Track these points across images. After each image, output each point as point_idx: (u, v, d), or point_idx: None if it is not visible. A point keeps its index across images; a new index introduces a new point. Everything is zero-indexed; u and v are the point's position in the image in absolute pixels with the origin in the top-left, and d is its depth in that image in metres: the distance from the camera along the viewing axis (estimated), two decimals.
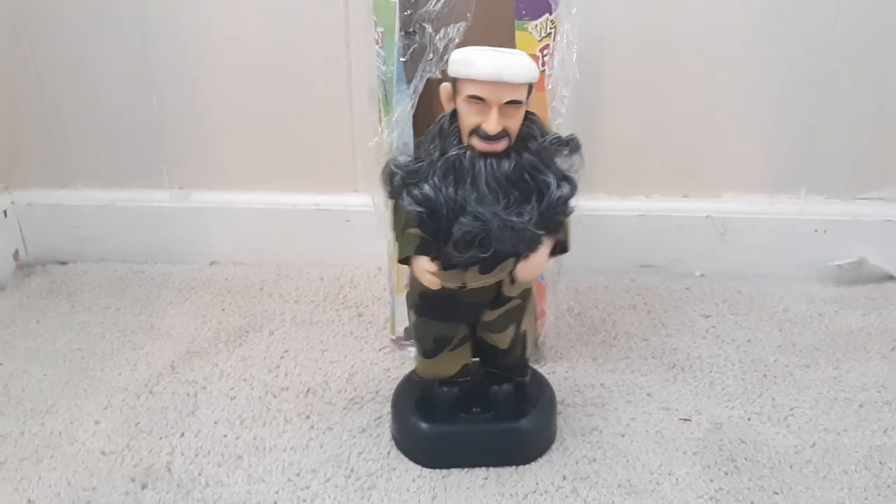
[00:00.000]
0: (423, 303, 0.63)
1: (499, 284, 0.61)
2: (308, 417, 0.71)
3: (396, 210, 0.58)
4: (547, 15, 0.64)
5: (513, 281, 0.61)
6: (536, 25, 0.64)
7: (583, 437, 0.68)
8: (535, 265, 0.58)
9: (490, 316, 0.63)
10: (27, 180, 0.95)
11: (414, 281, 0.62)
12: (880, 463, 0.65)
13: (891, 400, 0.73)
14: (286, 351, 0.80)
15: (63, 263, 0.96)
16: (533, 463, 0.65)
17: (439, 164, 0.55)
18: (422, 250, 0.57)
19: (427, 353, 0.65)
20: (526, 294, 0.63)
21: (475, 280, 0.59)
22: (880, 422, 0.70)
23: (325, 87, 0.88)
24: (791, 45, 0.85)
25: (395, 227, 0.59)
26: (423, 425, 0.65)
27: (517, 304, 0.63)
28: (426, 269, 0.56)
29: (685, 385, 0.75)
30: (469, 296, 0.61)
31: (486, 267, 0.59)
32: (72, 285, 0.92)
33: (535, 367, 0.74)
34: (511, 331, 0.64)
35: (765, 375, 0.76)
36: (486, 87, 0.53)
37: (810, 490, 0.63)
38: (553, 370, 0.76)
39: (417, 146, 0.60)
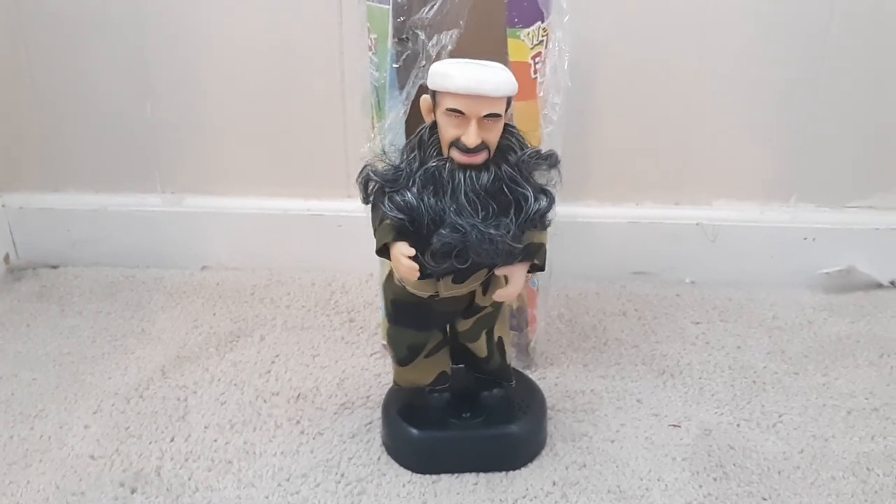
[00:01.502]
0: (396, 311, 0.63)
1: (472, 294, 0.62)
2: (298, 422, 0.71)
3: (375, 207, 0.59)
4: (539, 23, 0.64)
5: (485, 292, 0.61)
6: (528, 33, 0.64)
7: (573, 442, 0.68)
8: (512, 290, 0.59)
9: (464, 325, 0.64)
10: (19, 183, 0.95)
11: (387, 289, 0.63)
12: (868, 469, 0.66)
13: (878, 407, 0.73)
14: (277, 356, 0.80)
15: (54, 267, 0.96)
16: (523, 468, 0.66)
17: (419, 174, 0.55)
18: (400, 236, 0.56)
19: (401, 360, 0.65)
20: (498, 304, 0.64)
21: (448, 289, 0.60)
22: (868, 428, 0.70)
23: (318, 93, 0.88)
24: (783, 53, 0.85)
25: (373, 222, 0.59)
26: (414, 431, 0.65)
27: (489, 312, 0.64)
28: (404, 254, 0.55)
29: (675, 391, 0.75)
30: (441, 304, 0.61)
31: (460, 277, 0.59)
32: (63, 289, 0.92)
33: (526, 372, 0.74)
34: (484, 338, 0.64)
35: (754, 382, 0.76)
36: (464, 101, 0.53)
37: (798, 496, 0.63)
38: (544, 376, 0.77)
39: (390, 155, 0.60)
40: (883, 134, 0.89)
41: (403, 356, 0.64)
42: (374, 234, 0.58)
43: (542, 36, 0.65)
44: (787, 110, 0.88)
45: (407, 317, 0.63)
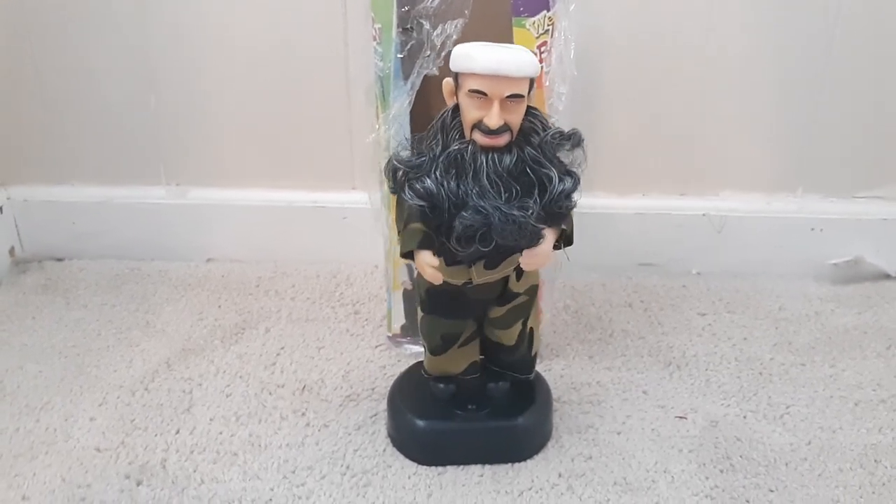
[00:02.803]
0: (430, 300, 0.63)
1: (505, 281, 0.61)
2: (304, 414, 0.71)
3: (399, 205, 0.58)
4: (545, 12, 0.64)
5: (518, 277, 0.61)
6: (534, 22, 0.64)
7: (579, 434, 0.68)
8: (541, 256, 0.57)
9: (497, 312, 0.63)
10: (24, 176, 0.95)
11: (420, 278, 0.62)
12: (875, 461, 0.65)
13: (886, 398, 0.73)
14: (282, 348, 0.80)
15: (59, 260, 0.96)
16: (529, 460, 0.65)
17: (441, 158, 0.55)
18: (424, 244, 0.56)
19: (434, 350, 0.65)
20: (532, 291, 0.63)
21: (481, 276, 0.59)
22: (875, 420, 0.70)
23: (322, 84, 0.88)
24: (790, 43, 0.85)
25: (397, 222, 0.59)
26: (419, 422, 0.65)
27: (524, 301, 0.63)
28: (428, 264, 0.56)
29: (681, 383, 0.75)
30: (475, 292, 0.61)
31: (492, 262, 0.59)
32: (68, 282, 0.92)
33: None
34: (518, 327, 0.64)
35: (761, 373, 0.76)
36: (487, 82, 0.53)
37: (805, 488, 0.63)
38: (549, 367, 0.76)
39: (415, 142, 0.59)
40: (890, 124, 0.88)
41: (437, 345, 0.64)
42: (398, 234, 0.58)
43: (548, 25, 0.64)
44: (793, 100, 0.87)
45: (441, 306, 0.62)
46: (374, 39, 0.66)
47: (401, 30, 0.64)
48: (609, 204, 0.91)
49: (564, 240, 0.59)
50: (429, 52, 0.63)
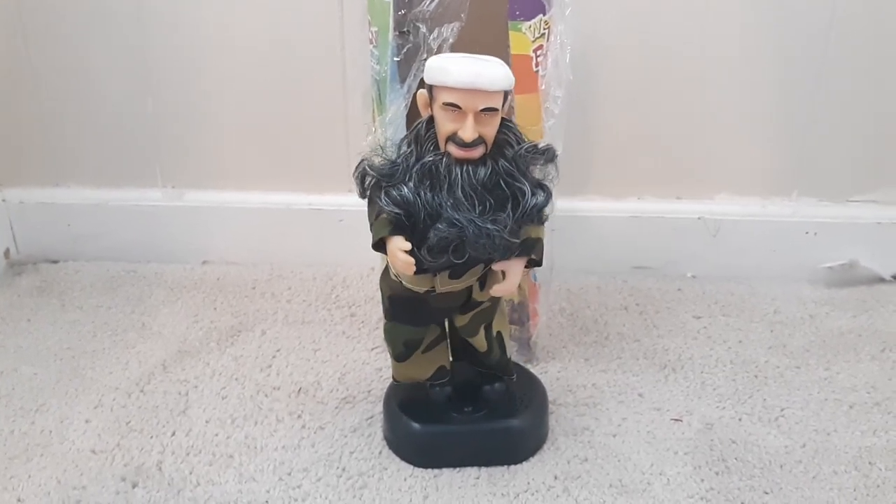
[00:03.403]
0: (392, 306, 0.63)
1: (469, 290, 0.62)
2: (300, 417, 0.71)
3: (371, 202, 0.58)
4: (541, 15, 0.64)
5: (482, 287, 0.61)
6: (530, 26, 0.64)
7: (574, 436, 0.68)
8: (509, 285, 0.59)
9: (462, 320, 0.64)
10: (20, 178, 0.95)
11: (383, 284, 0.62)
12: (870, 463, 0.66)
13: (880, 401, 0.73)
14: (278, 350, 0.80)
15: (54, 262, 0.96)
16: (525, 462, 0.66)
17: (415, 169, 0.55)
18: (397, 231, 0.56)
19: (398, 356, 0.65)
20: (495, 298, 0.63)
21: (444, 285, 0.60)
22: (870, 422, 0.70)
23: (319, 87, 0.88)
24: (785, 47, 0.85)
25: (369, 217, 0.59)
26: (415, 425, 0.65)
27: (487, 307, 0.63)
28: (400, 248, 0.55)
29: (676, 385, 0.75)
30: (438, 300, 0.61)
31: (456, 272, 0.59)
32: (63, 284, 0.92)
33: (528, 366, 0.74)
34: (483, 332, 0.64)
35: (756, 376, 0.76)
36: (461, 95, 0.53)
37: (800, 490, 0.63)
38: (545, 370, 0.77)
39: (390, 150, 0.60)
40: (885, 128, 0.89)
41: (400, 352, 0.65)
42: (371, 229, 0.58)
43: (544, 29, 0.65)
44: (788, 104, 0.88)
45: (403, 312, 0.63)
46: (371, 43, 0.66)
47: (397, 33, 0.64)
48: (605, 207, 0.92)
49: (533, 263, 0.59)
50: (425, 56, 0.64)
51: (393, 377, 0.67)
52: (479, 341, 0.65)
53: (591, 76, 0.85)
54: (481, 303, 0.63)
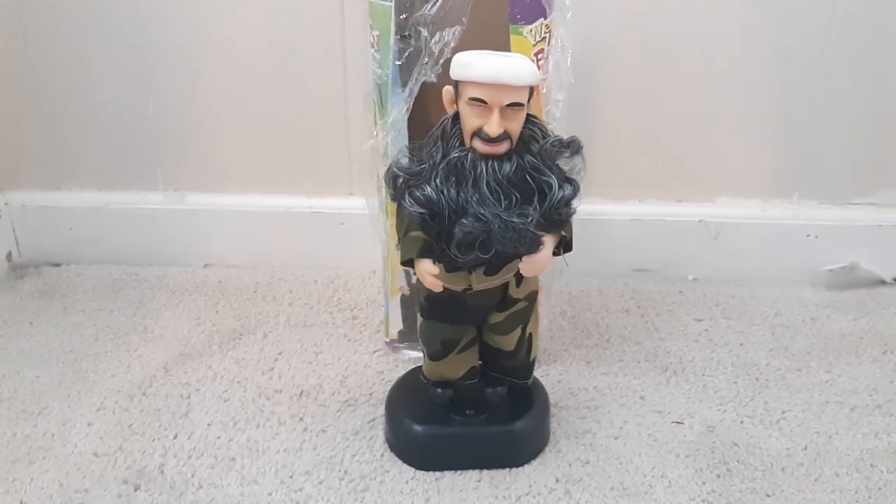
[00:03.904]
0: (430, 305, 0.63)
1: (505, 287, 0.62)
2: (301, 420, 0.71)
3: (400, 212, 0.59)
4: (542, 19, 0.64)
5: (518, 283, 0.61)
6: (531, 30, 0.64)
7: (576, 439, 0.68)
8: (540, 262, 0.57)
9: (497, 318, 0.63)
10: (21, 181, 0.95)
11: (420, 284, 0.62)
12: (871, 466, 0.66)
13: (882, 403, 0.73)
14: (280, 353, 0.80)
15: (56, 265, 0.96)
16: (526, 465, 0.66)
17: (441, 166, 0.55)
18: (424, 253, 0.57)
19: (434, 355, 0.65)
20: (532, 296, 0.64)
21: (480, 282, 0.60)
22: (871, 425, 0.70)
23: (320, 90, 0.88)
24: (785, 50, 0.85)
25: (398, 229, 0.59)
26: (417, 427, 0.65)
27: (524, 307, 0.63)
28: (428, 272, 0.57)
29: (678, 388, 0.75)
30: (475, 298, 0.61)
31: (492, 269, 0.59)
32: (65, 287, 0.92)
33: None
34: (517, 333, 0.64)
35: (757, 379, 0.76)
36: (487, 90, 0.53)
37: (802, 493, 0.63)
38: (547, 373, 0.77)
39: (413, 149, 0.60)
40: (885, 130, 0.89)
41: (436, 351, 0.64)
42: (398, 242, 0.58)
43: (545, 32, 0.65)
44: (789, 107, 0.88)
45: (441, 311, 0.63)
46: (373, 46, 0.67)
47: (399, 37, 0.65)
48: (606, 210, 0.92)
49: (564, 246, 0.59)
50: (426, 60, 0.64)
51: (423, 375, 0.67)
52: (509, 340, 0.64)
53: (592, 79, 0.85)
54: (518, 301, 0.63)
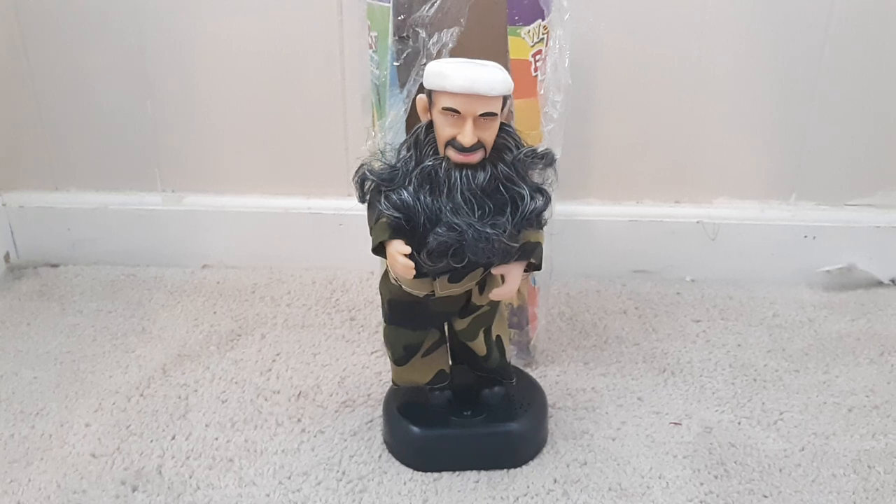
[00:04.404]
0: (392, 310, 0.63)
1: (468, 294, 0.62)
2: (299, 421, 0.71)
3: (371, 206, 0.59)
4: (540, 20, 0.64)
5: (481, 291, 0.61)
6: (529, 31, 0.64)
7: (574, 440, 0.68)
8: (509, 289, 0.59)
9: (461, 324, 0.64)
10: (19, 182, 0.95)
11: (383, 288, 0.63)
12: (869, 467, 0.66)
13: (879, 404, 0.73)
14: (278, 354, 0.80)
15: (54, 266, 0.96)
16: (524, 466, 0.66)
17: (415, 173, 0.55)
18: (396, 235, 0.56)
19: (398, 360, 0.65)
20: (494, 302, 0.64)
21: (444, 289, 0.60)
22: (869, 426, 0.70)
23: (318, 91, 0.88)
24: (783, 52, 0.85)
25: (369, 221, 0.59)
26: (415, 429, 0.65)
27: (486, 311, 0.63)
28: (400, 252, 0.55)
29: (676, 389, 0.75)
30: (437, 304, 0.61)
31: (456, 276, 0.59)
32: (63, 288, 0.92)
33: (527, 370, 0.75)
34: (482, 336, 0.64)
35: (755, 380, 0.76)
36: (460, 100, 0.53)
37: (799, 493, 0.63)
38: (544, 374, 0.77)
39: (390, 154, 0.60)
40: (883, 132, 0.89)
41: (400, 356, 0.65)
42: (370, 233, 0.58)
43: (543, 34, 0.65)
44: (787, 108, 0.88)
45: (403, 316, 0.63)
46: (371, 47, 0.67)
47: (397, 38, 0.65)
48: (603, 211, 0.92)
49: (532, 267, 0.60)
50: (425, 61, 0.64)
51: (392, 381, 0.68)
52: (479, 345, 0.65)
53: (590, 80, 0.86)
54: (480, 307, 0.63)
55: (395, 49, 0.65)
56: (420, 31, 0.63)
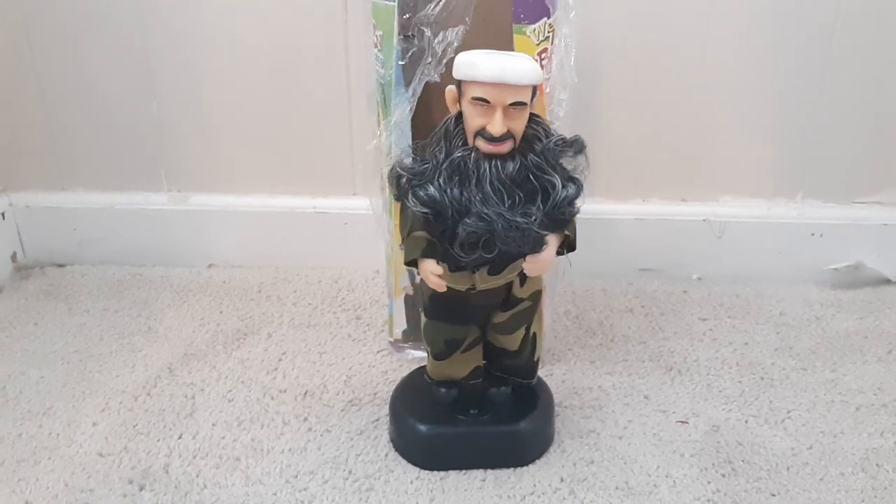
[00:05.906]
0: (433, 305, 0.63)
1: (509, 286, 0.61)
2: (306, 419, 0.71)
3: (403, 213, 0.59)
4: (545, 19, 0.64)
5: (522, 283, 0.61)
6: (535, 29, 0.64)
7: (580, 439, 0.68)
8: (544, 262, 0.57)
9: (501, 318, 0.63)
10: (26, 182, 0.95)
11: (423, 283, 0.62)
12: (877, 465, 0.66)
13: (887, 402, 0.73)
14: (284, 353, 0.80)
15: (61, 266, 0.96)
16: (531, 465, 0.66)
17: (444, 165, 0.55)
18: (428, 253, 0.57)
19: (438, 355, 0.65)
20: (536, 296, 0.63)
21: (484, 282, 0.60)
22: (877, 424, 0.70)
23: (323, 91, 0.88)
24: (789, 49, 0.85)
25: (401, 229, 0.59)
26: (421, 427, 0.65)
27: (528, 306, 0.63)
28: (432, 272, 0.57)
29: (682, 388, 0.75)
30: (479, 298, 0.61)
31: (495, 269, 0.59)
32: (70, 288, 0.92)
33: None
34: (521, 332, 0.64)
35: (762, 378, 0.76)
36: (490, 89, 0.53)
37: (807, 492, 0.63)
38: (551, 372, 0.77)
39: (416, 149, 0.60)
40: (890, 129, 0.89)
41: (440, 350, 0.64)
42: (402, 241, 0.59)
43: (548, 32, 0.65)
44: (793, 106, 0.88)
45: (445, 311, 0.63)
46: (376, 46, 0.67)
47: (402, 37, 0.65)
48: (610, 209, 0.92)
49: (567, 245, 0.59)
50: (430, 59, 0.64)
51: (427, 374, 0.67)
52: (513, 340, 0.64)
53: (596, 78, 0.85)
54: (521, 301, 0.63)
55: (400, 48, 0.65)
56: (425, 30, 0.63)
